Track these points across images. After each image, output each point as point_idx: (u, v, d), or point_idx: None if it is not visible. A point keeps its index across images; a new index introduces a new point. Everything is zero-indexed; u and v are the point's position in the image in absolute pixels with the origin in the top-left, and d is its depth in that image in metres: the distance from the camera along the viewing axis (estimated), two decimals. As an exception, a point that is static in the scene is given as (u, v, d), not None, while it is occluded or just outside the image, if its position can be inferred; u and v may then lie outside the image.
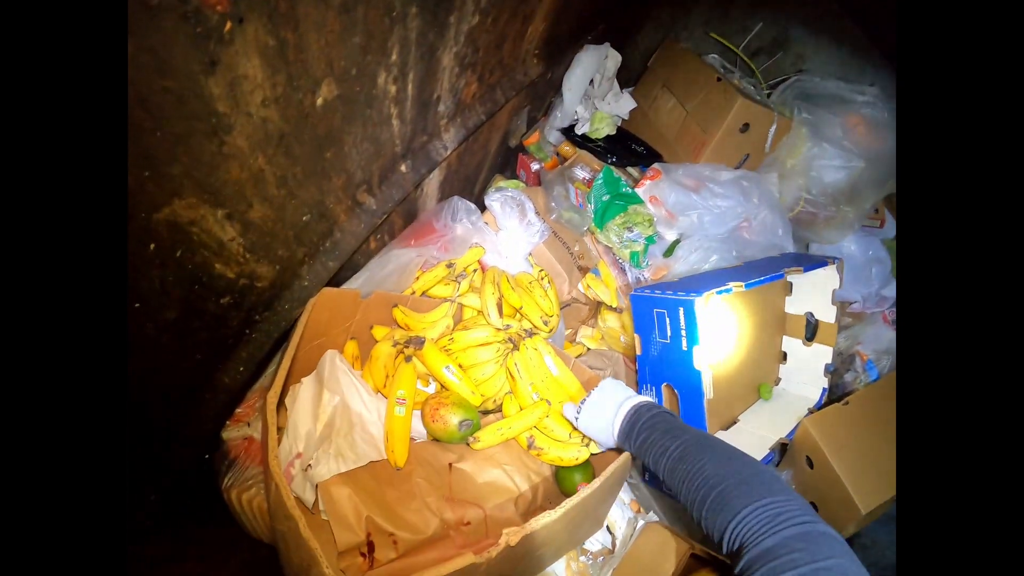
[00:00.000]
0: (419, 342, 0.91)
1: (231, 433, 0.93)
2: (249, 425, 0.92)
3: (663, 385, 0.95)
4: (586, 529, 0.88)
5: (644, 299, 0.93)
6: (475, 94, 0.94)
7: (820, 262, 1.22)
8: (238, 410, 0.96)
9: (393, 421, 0.85)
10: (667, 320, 0.89)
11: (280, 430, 0.82)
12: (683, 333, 0.87)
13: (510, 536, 0.57)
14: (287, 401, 0.87)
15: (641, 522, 0.98)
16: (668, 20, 1.73)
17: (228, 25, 0.48)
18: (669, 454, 0.64)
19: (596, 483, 0.69)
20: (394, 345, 0.94)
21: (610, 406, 0.76)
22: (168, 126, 0.51)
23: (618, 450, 0.78)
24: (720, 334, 1.07)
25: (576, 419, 0.81)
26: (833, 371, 1.44)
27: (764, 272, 1.02)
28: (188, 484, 0.92)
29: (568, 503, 0.63)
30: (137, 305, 0.63)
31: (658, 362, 0.94)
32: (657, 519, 1.03)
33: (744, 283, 0.93)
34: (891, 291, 1.54)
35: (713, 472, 0.58)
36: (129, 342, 0.64)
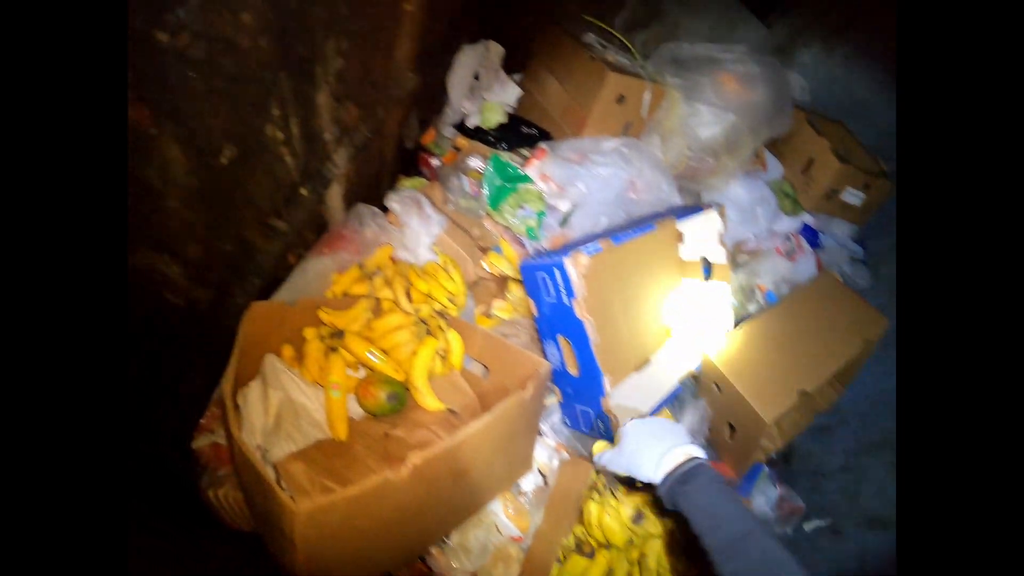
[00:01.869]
0: (339, 334, 1.08)
1: (200, 442, 1.10)
2: (213, 432, 1.09)
3: (558, 336, 1.13)
4: (509, 464, 1.06)
5: (529, 267, 1.12)
6: (357, 116, 1.12)
7: (696, 209, 1.42)
8: (202, 421, 1.12)
9: (331, 403, 1.04)
10: (548, 281, 1.08)
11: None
12: (562, 290, 1.06)
13: (415, 457, 0.74)
14: (239, 402, 1.03)
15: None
16: (550, 4, 1.91)
17: (152, 130, 0.71)
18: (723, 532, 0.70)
19: (490, 415, 0.87)
20: (320, 340, 1.10)
21: (666, 445, 0.83)
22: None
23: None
24: (602, 285, 1.26)
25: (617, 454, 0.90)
26: (736, 305, 1.66)
27: (635, 227, 1.21)
28: (174, 495, 1.09)
29: (461, 433, 0.82)
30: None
31: (550, 318, 1.13)
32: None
33: (612, 239, 1.12)
34: (780, 226, 1.77)
35: None
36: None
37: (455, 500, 0.96)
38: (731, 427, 1.38)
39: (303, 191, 1.10)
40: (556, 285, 1.07)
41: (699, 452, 0.82)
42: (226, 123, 0.84)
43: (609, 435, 1.16)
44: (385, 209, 1.34)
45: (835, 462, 1.60)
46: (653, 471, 0.82)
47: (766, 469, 1.52)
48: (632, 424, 0.91)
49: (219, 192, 0.90)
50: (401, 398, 1.09)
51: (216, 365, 1.08)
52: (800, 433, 1.65)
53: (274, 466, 0.93)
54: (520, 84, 1.68)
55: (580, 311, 1.06)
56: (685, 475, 0.78)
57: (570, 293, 1.05)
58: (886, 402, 1.54)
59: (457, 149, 1.53)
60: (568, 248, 1.14)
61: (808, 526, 1.53)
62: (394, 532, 0.85)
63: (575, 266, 1.04)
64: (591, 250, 1.08)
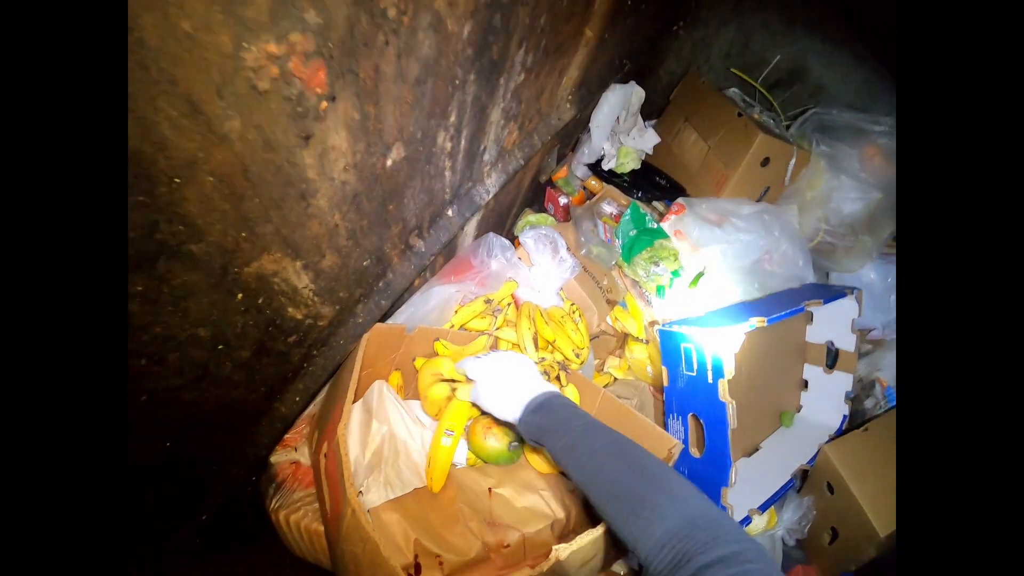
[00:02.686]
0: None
1: (279, 457, 1.04)
2: (296, 450, 1.03)
3: (689, 415, 1.06)
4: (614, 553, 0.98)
5: (672, 334, 1.05)
6: (515, 141, 1.07)
7: (840, 293, 1.33)
8: (287, 436, 1.07)
9: (438, 450, 0.96)
10: (693, 354, 1.01)
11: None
12: (708, 367, 0.99)
13: (559, 551, 0.68)
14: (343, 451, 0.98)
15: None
16: (689, 54, 1.86)
17: (324, 104, 0.59)
18: (566, 441, 0.72)
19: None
20: (436, 377, 1.05)
21: (522, 389, 0.85)
22: (265, 193, 0.62)
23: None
24: (742, 365, 1.18)
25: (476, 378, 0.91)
26: (853, 398, 1.55)
27: (785, 306, 1.13)
28: (236, 507, 1.04)
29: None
30: (220, 347, 0.75)
31: (684, 393, 1.05)
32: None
33: (766, 318, 1.04)
34: (911, 319, 1.65)
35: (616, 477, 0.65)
36: (208, 378, 0.76)
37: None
38: (834, 532, 1.28)
39: (449, 212, 1.04)
40: (703, 360, 1.00)
41: (552, 388, 0.84)
42: (404, 116, 0.74)
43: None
44: (512, 241, 1.29)
45: None
46: (512, 411, 0.84)
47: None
48: (481, 362, 0.93)
49: (374, 197, 0.81)
50: (520, 448, 1.02)
51: (318, 383, 1.02)
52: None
53: (368, 512, 0.88)
54: (655, 131, 1.63)
55: (723, 393, 0.99)
56: (539, 406, 0.80)
57: (718, 372, 0.98)
58: None
59: (587, 191, 1.48)
60: (716, 320, 1.07)
61: None
62: None
63: (729, 343, 0.97)
64: (745, 328, 1.00)
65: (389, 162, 0.79)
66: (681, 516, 0.58)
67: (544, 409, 0.79)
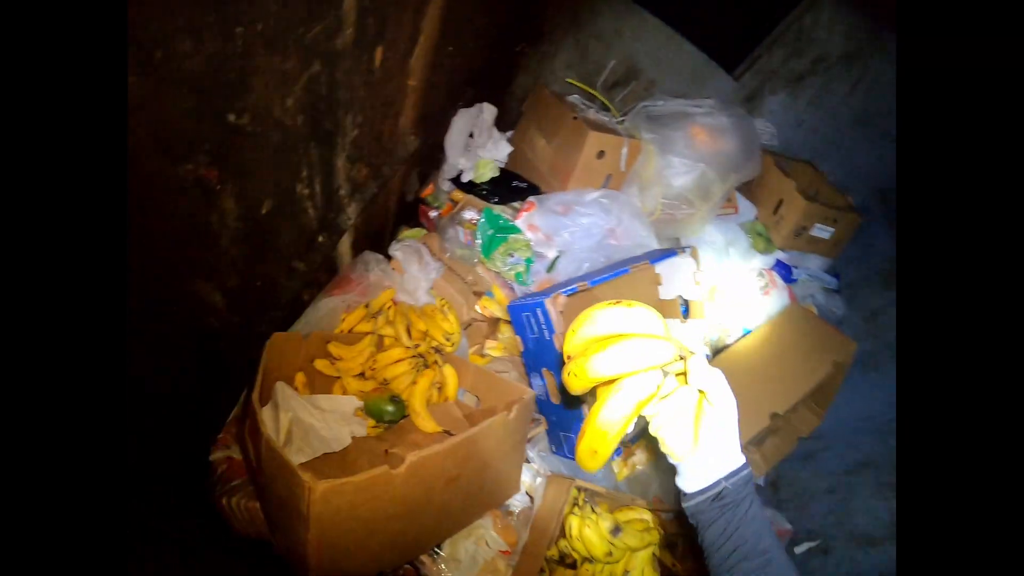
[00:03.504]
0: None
1: (217, 455, 1.28)
2: (229, 447, 1.26)
3: (543, 370, 1.29)
4: (496, 481, 1.21)
5: (516, 307, 1.29)
6: (367, 175, 1.32)
7: (670, 252, 1.60)
8: (219, 436, 1.31)
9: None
10: (532, 320, 1.25)
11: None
12: (543, 326, 1.23)
13: (412, 456, 0.91)
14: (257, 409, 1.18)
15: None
16: (536, 67, 2.14)
17: (218, 187, 0.90)
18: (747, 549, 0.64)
19: (477, 428, 1.03)
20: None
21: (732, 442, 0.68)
22: (192, 241, 0.94)
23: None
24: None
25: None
26: (715, 340, 1.82)
27: (611, 271, 1.38)
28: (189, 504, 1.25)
29: (452, 439, 0.99)
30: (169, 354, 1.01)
31: (534, 353, 1.30)
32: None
33: (589, 282, 1.29)
34: (754, 264, 1.94)
35: None
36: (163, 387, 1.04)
37: (448, 507, 1.11)
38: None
39: (320, 238, 1.30)
40: (539, 323, 1.24)
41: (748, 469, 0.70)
42: (268, 182, 1.04)
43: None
44: (389, 256, 1.53)
45: (821, 485, 1.71)
46: (697, 474, 0.67)
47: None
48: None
49: (257, 236, 1.10)
50: (401, 407, 1.28)
51: (234, 388, 1.30)
52: (784, 459, 1.77)
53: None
54: (511, 141, 1.88)
55: (559, 346, 1.22)
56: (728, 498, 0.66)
57: (550, 329, 1.22)
58: (867, 426, 1.66)
59: (453, 202, 1.72)
60: (549, 291, 1.31)
61: (799, 548, 1.63)
62: (393, 527, 1.00)
63: (554, 305, 1.21)
64: (568, 291, 1.25)
65: (264, 211, 1.06)
66: None
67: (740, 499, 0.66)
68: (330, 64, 0.98)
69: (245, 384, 1.27)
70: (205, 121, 0.81)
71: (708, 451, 0.65)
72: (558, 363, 1.24)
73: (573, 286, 1.27)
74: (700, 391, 0.66)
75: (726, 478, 0.65)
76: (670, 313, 1.72)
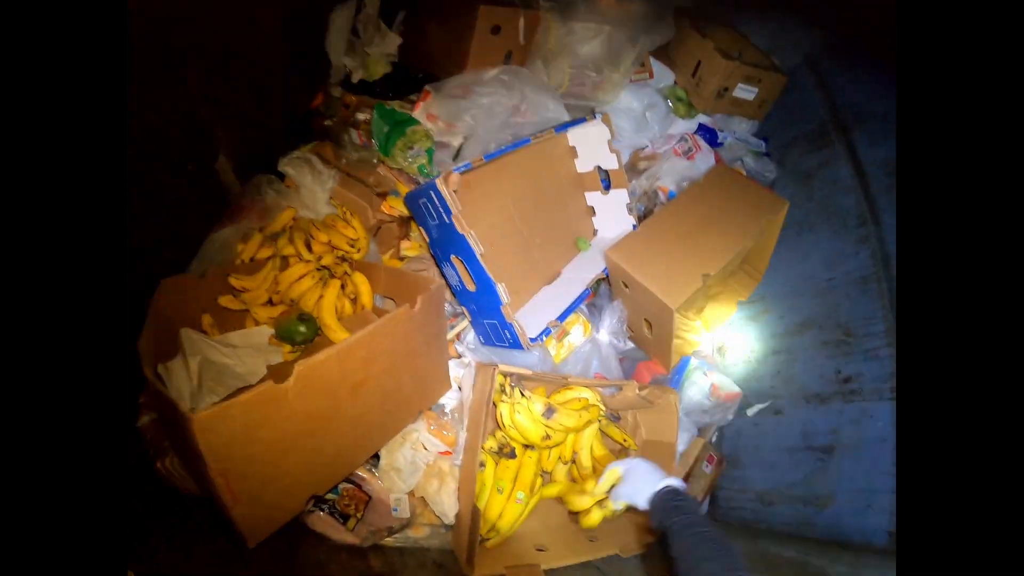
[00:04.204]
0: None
1: (143, 420, 1.19)
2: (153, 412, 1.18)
3: (452, 257, 1.23)
4: (417, 380, 1.15)
5: (411, 196, 1.22)
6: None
7: (579, 120, 1.51)
8: (141, 400, 1.21)
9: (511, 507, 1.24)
10: (429, 206, 1.17)
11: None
12: (441, 210, 1.15)
13: (300, 365, 0.84)
14: (162, 373, 1.11)
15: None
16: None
17: None
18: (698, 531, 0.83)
19: (373, 324, 0.97)
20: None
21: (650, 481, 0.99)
22: None
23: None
24: (496, 199, 1.35)
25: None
26: (643, 211, 1.76)
27: (510, 144, 1.30)
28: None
29: (346, 339, 0.91)
30: None
31: (439, 241, 1.23)
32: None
33: (484, 157, 1.21)
34: (676, 129, 1.86)
35: None
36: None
37: (366, 416, 1.05)
38: (648, 323, 1.48)
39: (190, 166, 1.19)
40: (435, 207, 1.16)
41: (676, 483, 0.97)
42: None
43: (517, 344, 1.25)
44: (283, 176, 1.42)
45: (767, 347, 1.70)
46: (642, 501, 0.98)
47: (695, 361, 1.62)
48: (632, 464, 1.07)
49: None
50: (312, 324, 1.21)
51: None
52: (727, 323, 1.75)
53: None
54: (401, 33, 1.74)
55: (460, 226, 1.15)
56: (664, 506, 0.92)
57: (447, 211, 1.14)
58: (807, 286, 1.63)
59: (347, 107, 1.61)
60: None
61: (750, 411, 1.64)
62: (305, 445, 0.93)
63: (446, 184, 1.13)
64: (461, 168, 1.17)
65: None
66: None
67: (675, 505, 0.91)
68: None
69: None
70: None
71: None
72: (463, 244, 1.18)
73: (467, 163, 1.19)
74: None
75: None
76: (591, 186, 1.66)
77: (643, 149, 1.82)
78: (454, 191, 1.14)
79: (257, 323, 1.27)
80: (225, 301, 1.26)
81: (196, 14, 0.99)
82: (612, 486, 1.08)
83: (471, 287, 1.25)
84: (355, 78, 1.62)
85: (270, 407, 0.85)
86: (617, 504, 1.07)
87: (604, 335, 1.54)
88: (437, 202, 1.15)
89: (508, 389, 1.20)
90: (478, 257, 1.17)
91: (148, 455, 1.17)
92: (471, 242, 1.16)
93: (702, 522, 0.84)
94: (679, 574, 0.78)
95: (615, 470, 1.08)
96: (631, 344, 1.58)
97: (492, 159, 1.23)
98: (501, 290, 1.20)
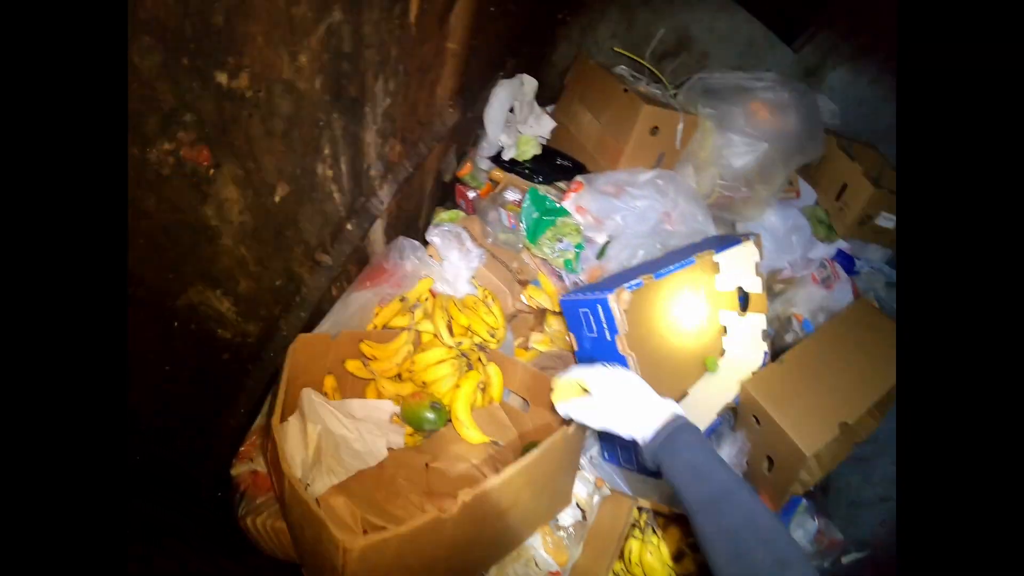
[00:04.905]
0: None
1: (239, 469, 1.14)
2: (252, 460, 1.13)
3: (600, 372, 1.15)
4: (550, 499, 1.08)
5: (570, 302, 1.15)
6: (401, 153, 1.17)
7: (735, 240, 1.44)
8: (242, 448, 1.17)
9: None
10: (591, 317, 1.11)
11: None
12: (605, 326, 1.09)
13: (464, 495, 0.77)
14: (278, 440, 1.06)
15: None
16: (578, 37, 1.97)
17: (211, 171, 0.75)
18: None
19: (537, 451, 0.89)
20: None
21: (651, 401, 0.83)
22: (182, 241, 0.79)
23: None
24: (643, 319, 1.28)
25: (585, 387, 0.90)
26: (774, 335, 1.67)
27: (674, 262, 1.23)
28: (212, 522, 1.14)
29: (510, 469, 0.84)
30: (167, 368, 0.86)
31: (591, 354, 1.15)
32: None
33: (653, 275, 1.15)
34: (815, 253, 1.78)
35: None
36: (163, 395, 0.91)
37: (499, 536, 0.98)
38: (770, 460, 1.38)
39: (349, 226, 1.15)
40: (599, 321, 1.10)
41: (680, 409, 0.83)
42: (281, 162, 0.89)
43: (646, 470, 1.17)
44: (425, 242, 1.38)
45: (874, 493, 1.59)
46: (639, 428, 0.82)
47: (804, 502, 1.51)
48: (598, 372, 0.91)
49: (271, 229, 0.96)
50: (443, 414, 1.14)
51: (258, 395, 1.15)
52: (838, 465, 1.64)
53: (316, 501, 0.96)
54: (553, 116, 1.72)
55: (623, 347, 1.08)
56: (672, 434, 0.78)
57: (613, 329, 1.08)
58: None
59: (493, 182, 1.58)
60: (609, 283, 1.17)
61: (847, 558, 1.52)
62: (440, 568, 0.87)
63: (618, 302, 1.07)
64: (633, 286, 1.10)
65: (277, 198, 0.92)
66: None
67: (689, 445, 0.77)
68: (354, 12, 0.82)
69: (269, 391, 1.15)
70: (182, 83, 0.66)
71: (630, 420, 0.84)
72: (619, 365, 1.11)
73: (637, 279, 1.12)
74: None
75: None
76: (727, 304, 1.58)
77: (781, 271, 1.74)
78: (624, 310, 1.07)
79: (380, 395, 1.21)
80: (352, 367, 1.21)
81: (384, 63, 0.99)
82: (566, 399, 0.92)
83: (612, 405, 1.17)
84: (506, 155, 1.59)
85: (428, 536, 0.79)
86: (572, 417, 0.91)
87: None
88: (603, 317, 1.09)
89: (642, 525, 1.11)
90: (634, 381, 1.09)
91: (237, 506, 1.11)
92: (631, 366, 1.09)
93: (740, 485, 0.69)
94: (712, 552, 0.64)
95: (576, 380, 0.91)
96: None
97: (661, 278, 1.16)
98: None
